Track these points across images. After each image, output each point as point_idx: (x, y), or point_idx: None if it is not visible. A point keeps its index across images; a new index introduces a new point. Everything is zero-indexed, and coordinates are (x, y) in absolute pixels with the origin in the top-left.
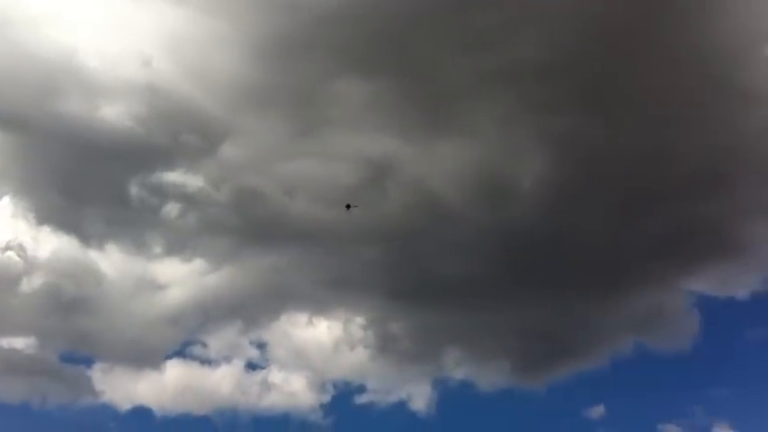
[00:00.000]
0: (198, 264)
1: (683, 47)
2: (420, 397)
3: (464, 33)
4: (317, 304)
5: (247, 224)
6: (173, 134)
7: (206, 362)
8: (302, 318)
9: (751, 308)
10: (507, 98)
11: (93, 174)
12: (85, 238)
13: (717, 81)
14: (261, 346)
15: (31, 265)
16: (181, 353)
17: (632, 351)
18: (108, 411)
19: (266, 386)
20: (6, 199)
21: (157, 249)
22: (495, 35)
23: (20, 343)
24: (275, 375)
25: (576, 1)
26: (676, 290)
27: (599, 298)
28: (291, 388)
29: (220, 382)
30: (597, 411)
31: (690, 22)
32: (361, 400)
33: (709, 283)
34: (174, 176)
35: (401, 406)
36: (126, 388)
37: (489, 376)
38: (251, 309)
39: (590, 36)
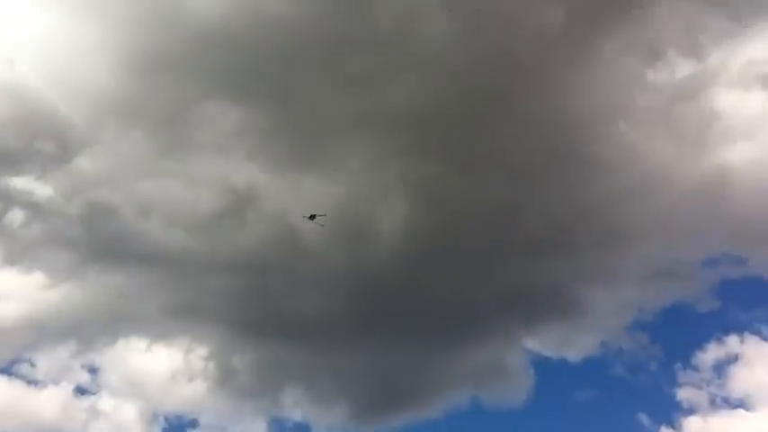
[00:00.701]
0: (37, 277)
1: (544, 114)
2: None
3: (342, 73)
4: (159, 331)
5: (94, 240)
6: (27, 138)
7: (32, 382)
8: (141, 344)
9: (581, 370)
10: (376, 141)
11: None
12: None
13: (572, 149)
14: (93, 370)
15: None
16: (6, 370)
17: (468, 404)
18: None
19: (94, 413)
20: None
21: None
22: (372, 78)
23: None
24: (105, 403)
25: (449, 56)
26: (517, 346)
27: (443, 347)
28: (121, 417)
29: (45, 404)
30: None
31: (551, 92)
32: None
33: (546, 342)
34: (21, 182)
35: None
36: None
37: (326, 418)
38: (87, 330)
39: (459, 90)
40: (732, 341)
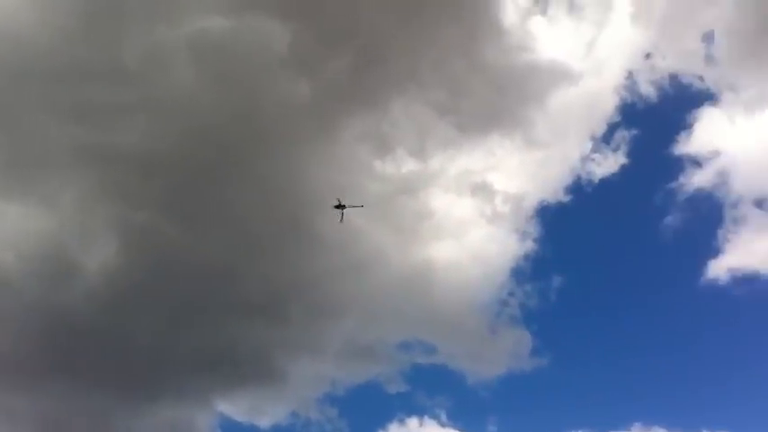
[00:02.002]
0: None
1: (277, 183)
2: None
3: (72, 103)
4: None
5: None
6: None
7: None
8: None
9: None
10: (96, 178)
11: None
12: None
13: (298, 222)
14: None
15: None
16: None
17: None
18: None
19: None
20: None
21: None
22: (103, 114)
23: None
24: None
25: (189, 107)
26: (208, 408)
27: (134, 399)
28: None
29: None
30: None
31: (288, 164)
32: None
33: (240, 406)
34: None
35: None
36: None
37: None
38: None
39: (194, 143)
40: (412, 423)
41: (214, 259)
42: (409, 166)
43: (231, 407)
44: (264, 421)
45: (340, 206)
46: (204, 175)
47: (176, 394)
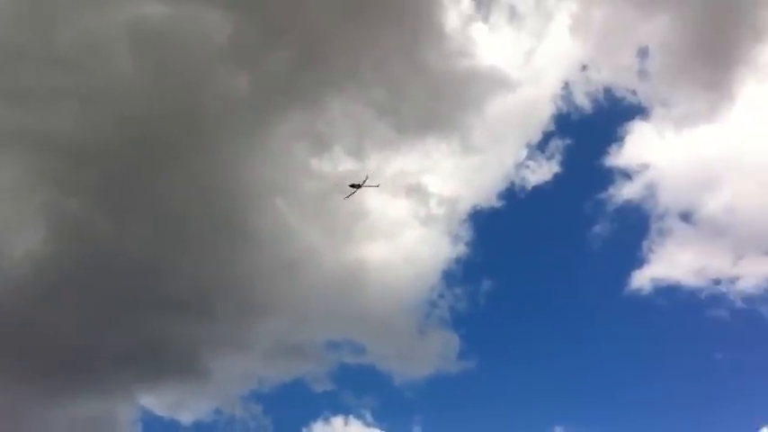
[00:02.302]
0: None
1: (212, 178)
2: None
3: (4, 86)
4: None
5: None
6: None
7: None
8: None
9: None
10: (27, 162)
11: None
12: None
13: (231, 218)
14: None
15: None
16: None
17: None
18: None
19: None
20: None
21: None
22: (38, 98)
23: None
24: None
25: (126, 96)
26: (130, 401)
27: (53, 393)
28: None
29: None
30: None
31: (224, 159)
32: None
33: (163, 401)
34: None
35: None
36: None
37: None
38: None
39: (129, 132)
40: (337, 422)
41: (144, 252)
42: (346, 165)
43: (154, 400)
44: (187, 416)
45: (355, 185)
46: (138, 167)
47: (98, 387)
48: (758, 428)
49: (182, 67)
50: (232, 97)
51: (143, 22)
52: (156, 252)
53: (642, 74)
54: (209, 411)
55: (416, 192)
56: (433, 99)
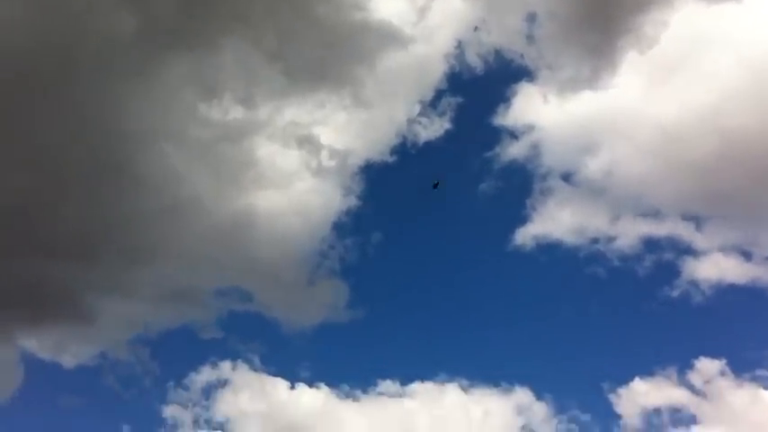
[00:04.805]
0: None
1: (95, 119)
2: None
3: None
4: None
5: None
6: None
7: None
8: None
9: (74, 376)
10: None
11: None
12: None
13: (115, 161)
14: None
15: None
16: None
17: None
18: None
19: None
20: None
21: None
22: None
23: None
24: None
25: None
26: (9, 343)
27: None
28: None
29: None
30: None
31: (107, 100)
32: None
33: (44, 344)
34: None
35: None
36: None
37: None
38: None
39: (2, 70)
40: (225, 366)
41: (21, 194)
42: (235, 113)
43: (35, 343)
44: (70, 360)
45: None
46: (15, 107)
47: None
48: (629, 380)
49: (62, 3)
50: (117, 35)
51: None
52: (36, 194)
53: (530, 38)
54: (93, 355)
55: (308, 142)
56: (325, 50)
